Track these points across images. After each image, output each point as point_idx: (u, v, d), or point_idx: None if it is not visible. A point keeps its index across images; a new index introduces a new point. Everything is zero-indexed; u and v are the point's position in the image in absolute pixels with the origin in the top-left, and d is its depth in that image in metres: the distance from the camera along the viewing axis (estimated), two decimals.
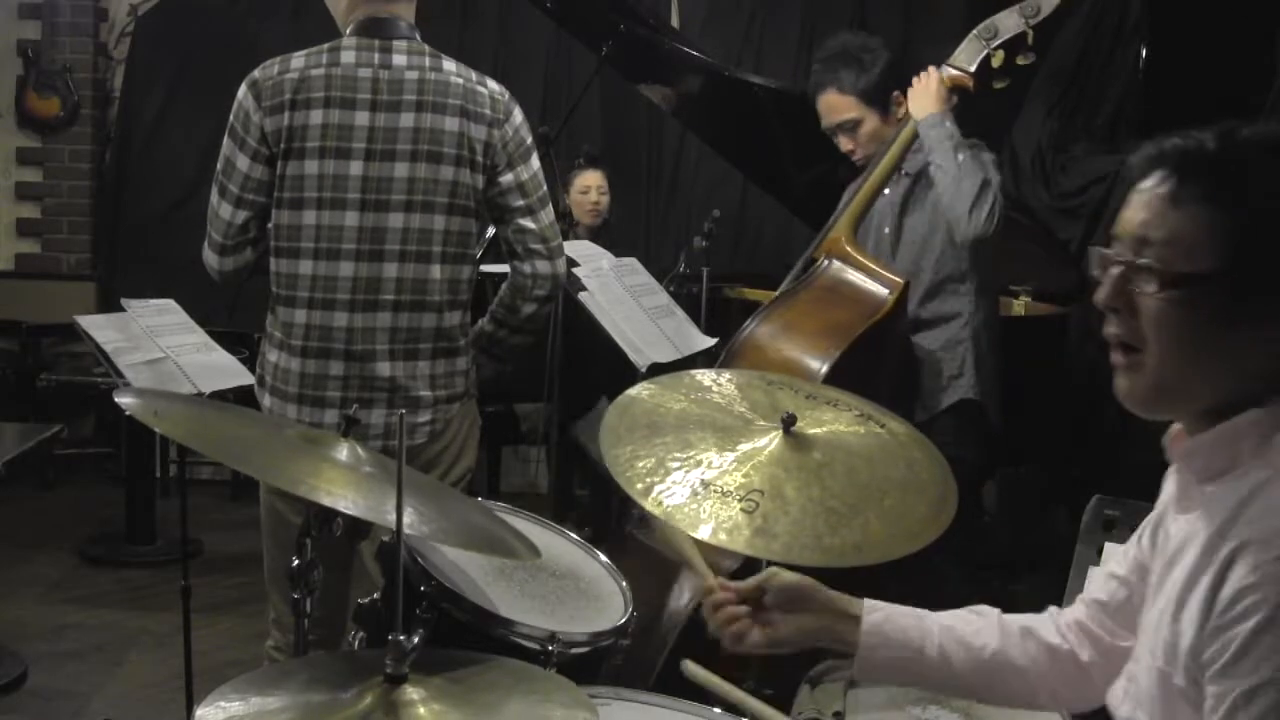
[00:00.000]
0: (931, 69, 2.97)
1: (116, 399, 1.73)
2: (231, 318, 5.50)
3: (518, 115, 2.63)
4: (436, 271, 2.56)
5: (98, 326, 3.23)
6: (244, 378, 3.35)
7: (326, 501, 1.60)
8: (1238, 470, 1.27)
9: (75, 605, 4.48)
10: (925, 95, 2.93)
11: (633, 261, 3.46)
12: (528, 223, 2.62)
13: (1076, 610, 1.59)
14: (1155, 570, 1.40)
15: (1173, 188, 1.27)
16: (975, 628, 1.60)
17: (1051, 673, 1.57)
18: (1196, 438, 1.31)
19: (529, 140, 2.65)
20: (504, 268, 2.73)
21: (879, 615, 1.62)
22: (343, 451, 1.75)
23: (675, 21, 5.95)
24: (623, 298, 3.24)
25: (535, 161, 2.66)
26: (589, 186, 5.01)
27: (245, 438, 1.81)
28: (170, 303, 3.39)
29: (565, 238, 3.88)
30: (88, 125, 6.28)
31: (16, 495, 5.56)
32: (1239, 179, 1.26)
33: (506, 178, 2.60)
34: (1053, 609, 1.62)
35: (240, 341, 4.91)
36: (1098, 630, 1.55)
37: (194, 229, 5.26)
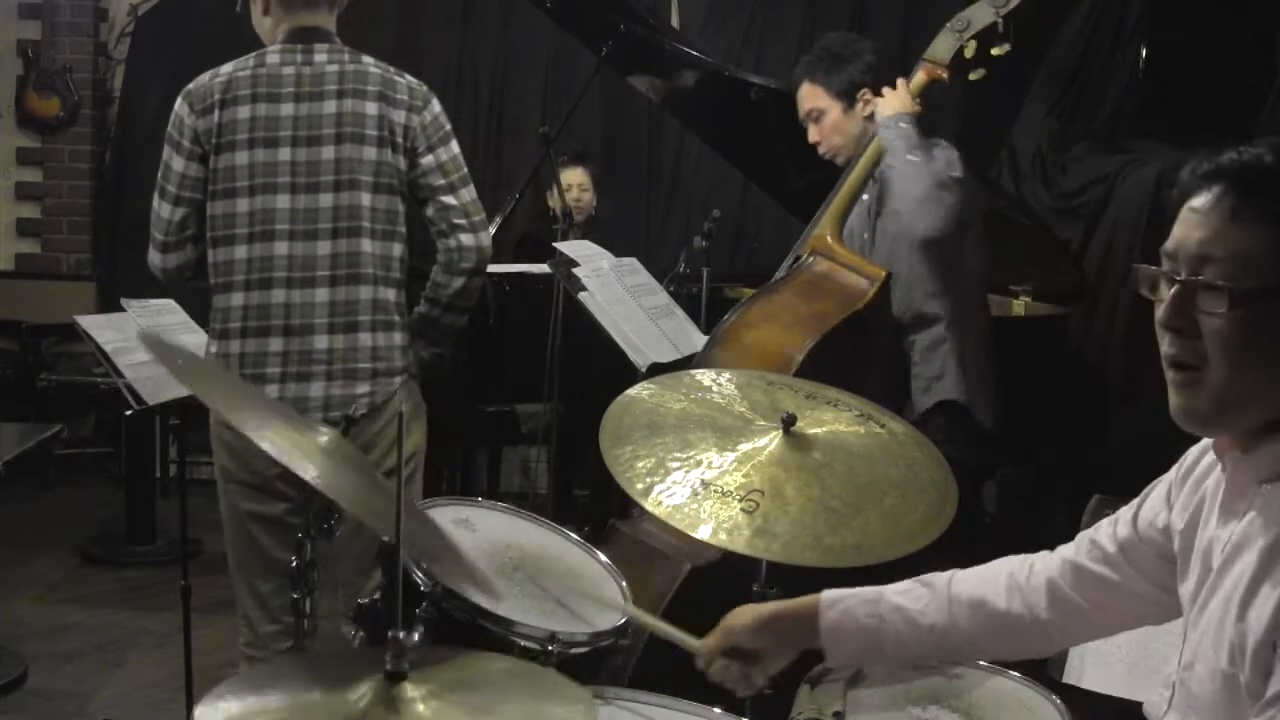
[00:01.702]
0: (900, 80, 3.03)
1: (141, 339, 1.66)
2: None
3: (436, 105, 2.79)
4: (367, 245, 2.70)
5: (98, 326, 3.24)
6: None
7: (302, 473, 1.56)
8: None
9: (75, 605, 4.48)
10: (890, 100, 3.00)
11: (633, 261, 3.46)
12: (450, 199, 2.76)
13: (1052, 566, 1.62)
14: (1191, 581, 1.40)
15: (1233, 204, 1.26)
16: (923, 604, 1.67)
17: (996, 634, 1.65)
18: (1262, 444, 1.31)
19: (448, 127, 2.80)
20: (506, 267, 2.76)
21: (835, 614, 1.68)
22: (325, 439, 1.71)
23: (675, 21, 5.94)
24: (623, 298, 3.23)
25: (455, 146, 2.80)
26: (570, 184, 5.00)
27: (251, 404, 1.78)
28: (170, 303, 3.40)
29: (565, 238, 3.90)
30: (88, 125, 6.28)
31: (16, 495, 5.55)
32: None
33: (427, 159, 2.75)
34: (1020, 560, 1.67)
35: None
36: (1068, 592, 1.59)
37: None
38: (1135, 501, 1.57)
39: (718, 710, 1.77)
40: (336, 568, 2.69)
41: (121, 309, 3.32)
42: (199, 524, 4.86)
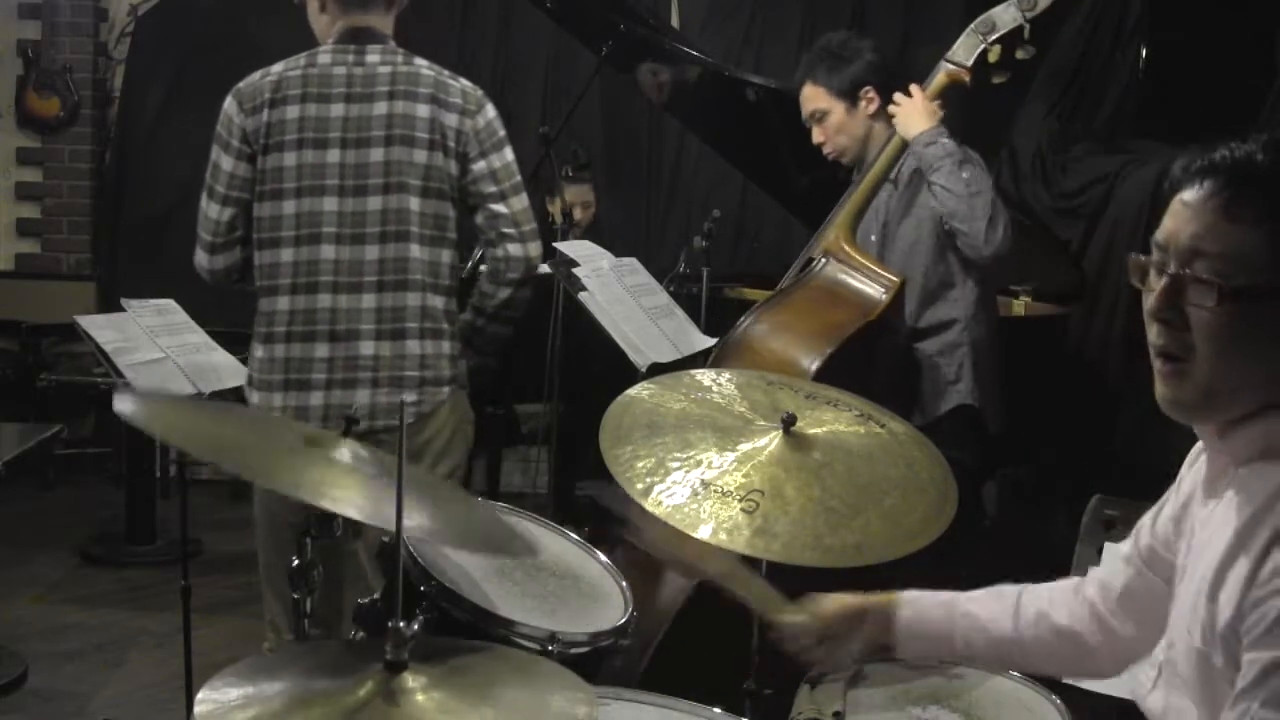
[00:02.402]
0: (914, 87, 2.98)
1: (116, 407, 1.69)
2: (234, 316, 5.51)
3: (490, 110, 2.73)
4: (416, 251, 2.65)
5: (98, 326, 3.23)
6: (244, 378, 3.34)
7: (329, 506, 1.59)
8: (1276, 454, 1.29)
9: (75, 605, 4.48)
10: (914, 113, 2.93)
11: (633, 261, 3.46)
12: (500, 208, 2.71)
13: (1090, 588, 1.64)
14: (1181, 557, 1.43)
15: (1226, 201, 1.27)
16: (993, 614, 1.70)
17: (1057, 651, 1.67)
18: (1240, 427, 1.32)
19: (502, 133, 2.74)
20: None
21: (910, 614, 1.72)
22: (344, 453, 1.73)
23: (675, 21, 5.94)
24: (623, 298, 3.23)
25: (509, 153, 2.74)
26: (574, 203, 4.99)
27: (245, 442, 1.78)
28: (170, 303, 3.39)
29: (565, 238, 3.89)
30: (88, 125, 6.28)
31: (16, 495, 5.55)
32: None
33: (479, 165, 2.69)
34: (1078, 581, 1.68)
35: (240, 341, 4.90)
36: (1103, 612, 1.61)
37: (194, 229, 5.22)
38: (1157, 505, 1.57)
39: (718, 710, 1.78)
40: (364, 569, 2.65)
41: (121, 309, 3.32)
42: (199, 524, 4.88)
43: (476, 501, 2.03)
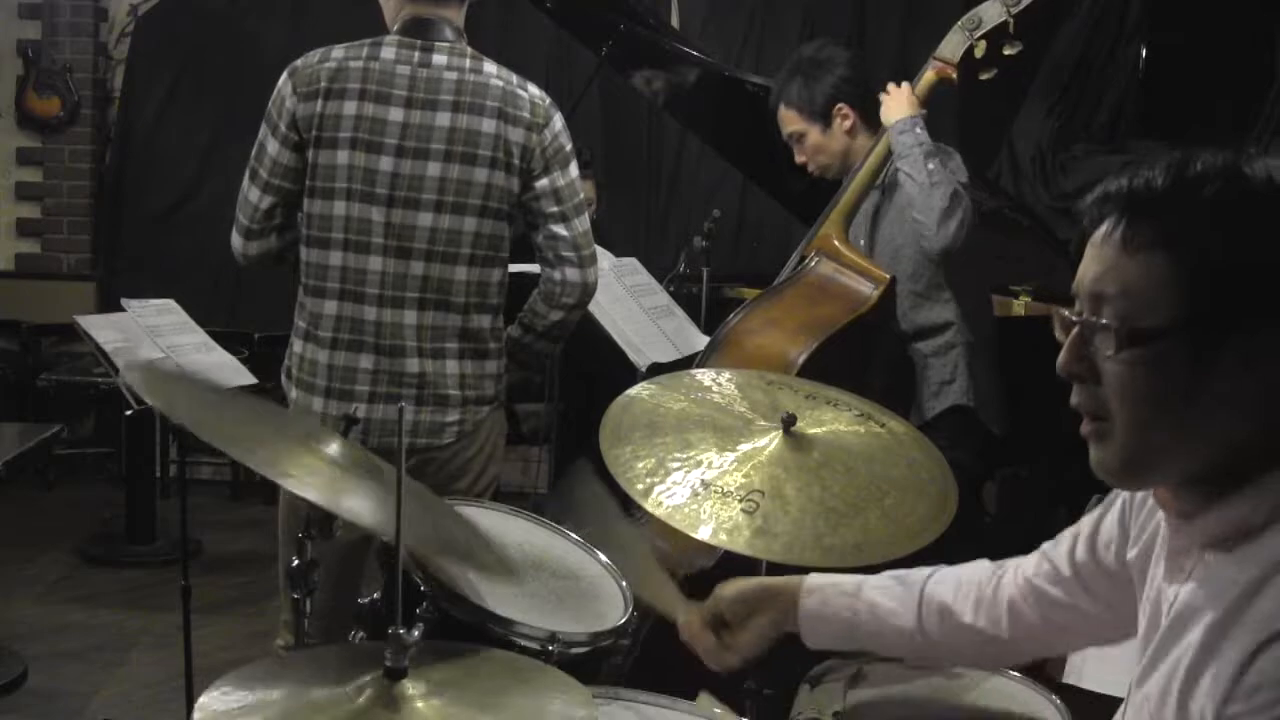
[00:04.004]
0: (906, 84, 3.00)
1: (122, 371, 1.67)
2: (234, 315, 5.52)
3: (558, 122, 2.60)
4: (463, 273, 2.53)
5: (98, 326, 3.24)
6: (244, 378, 3.35)
7: (291, 486, 1.58)
8: (1248, 541, 1.13)
9: (75, 605, 4.48)
10: (896, 102, 2.96)
11: (633, 261, 3.47)
12: (560, 229, 2.58)
13: (1015, 584, 1.56)
14: (1145, 618, 1.29)
15: (1123, 233, 1.14)
16: (896, 603, 1.62)
17: (962, 645, 1.61)
18: (1205, 508, 1.16)
19: (568, 147, 2.61)
20: (533, 267, 2.71)
21: (813, 602, 1.65)
22: (333, 446, 1.72)
23: (675, 21, 5.95)
24: (623, 298, 3.24)
25: (574, 169, 2.62)
26: None
27: (245, 425, 1.77)
28: (170, 303, 3.40)
29: None
30: (88, 125, 6.28)
31: (16, 495, 5.56)
32: (1193, 219, 1.12)
33: (542, 183, 2.56)
34: (995, 570, 1.60)
35: (240, 341, 4.91)
36: (1028, 614, 1.54)
37: (194, 229, 5.27)
38: (1093, 516, 1.46)
39: (717, 710, 1.77)
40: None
41: (121, 309, 3.32)
42: (199, 524, 4.89)
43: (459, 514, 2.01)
